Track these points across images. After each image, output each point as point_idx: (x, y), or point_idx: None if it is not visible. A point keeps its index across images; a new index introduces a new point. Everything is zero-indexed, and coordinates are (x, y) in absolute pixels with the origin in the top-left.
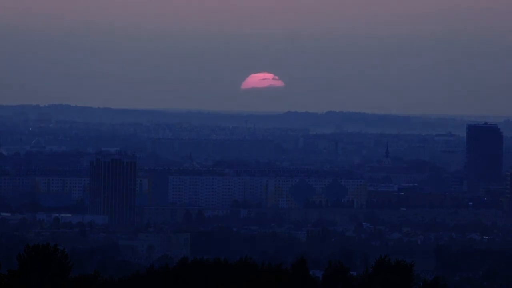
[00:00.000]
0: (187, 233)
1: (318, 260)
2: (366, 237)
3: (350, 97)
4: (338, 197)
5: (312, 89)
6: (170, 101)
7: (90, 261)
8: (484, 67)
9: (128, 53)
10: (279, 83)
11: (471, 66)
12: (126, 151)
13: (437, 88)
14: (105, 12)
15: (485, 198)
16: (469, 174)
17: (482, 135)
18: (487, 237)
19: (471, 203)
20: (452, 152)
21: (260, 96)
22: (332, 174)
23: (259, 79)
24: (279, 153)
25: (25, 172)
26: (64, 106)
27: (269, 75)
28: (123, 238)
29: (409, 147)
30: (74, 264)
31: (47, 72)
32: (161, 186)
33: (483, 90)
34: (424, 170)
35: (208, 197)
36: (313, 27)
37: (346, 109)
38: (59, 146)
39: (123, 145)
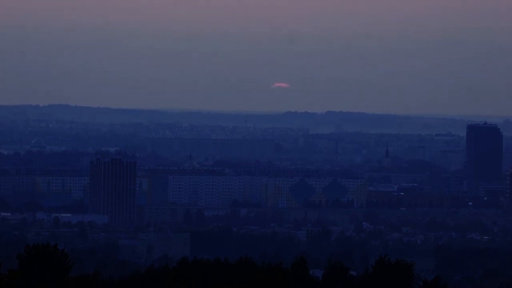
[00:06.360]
0: (187, 233)
1: (318, 260)
2: (366, 237)
3: (350, 97)
4: (338, 197)
5: (312, 89)
6: (170, 101)
7: (90, 261)
8: (484, 67)
9: (128, 53)
10: (281, 84)
11: (471, 66)
12: (126, 151)
13: (437, 88)
14: (106, 12)
15: (485, 198)
16: (469, 174)
17: (482, 135)
18: (487, 237)
19: (471, 203)
20: (452, 152)
21: (260, 96)
22: (332, 174)
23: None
24: (279, 153)
25: (25, 172)
26: (64, 106)
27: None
28: (123, 238)
29: (409, 147)
30: (74, 263)
31: (47, 72)
32: (161, 186)
33: (483, 90)
34: (424, 170)
35: (208, 197)
36: (313, 27)
37: (346, 109)
38: (59, 146)
39: (123, 145)
